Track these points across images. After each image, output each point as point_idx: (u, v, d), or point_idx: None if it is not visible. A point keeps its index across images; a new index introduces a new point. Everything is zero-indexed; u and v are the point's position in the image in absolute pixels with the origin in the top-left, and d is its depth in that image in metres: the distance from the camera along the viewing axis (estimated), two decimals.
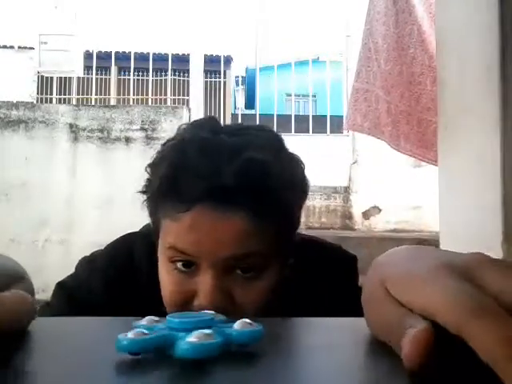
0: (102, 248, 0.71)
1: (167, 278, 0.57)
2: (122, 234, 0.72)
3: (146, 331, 0.26)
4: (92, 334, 0.34)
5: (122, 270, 0.66)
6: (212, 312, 0.30)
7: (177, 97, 7.36)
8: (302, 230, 0.68)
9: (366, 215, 4.81)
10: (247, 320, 0.28)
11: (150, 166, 0.61)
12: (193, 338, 0.25)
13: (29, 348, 0.31)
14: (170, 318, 0.28)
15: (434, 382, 0.23)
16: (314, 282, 0.65)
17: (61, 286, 0.68)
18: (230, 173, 0.53)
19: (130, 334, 0.25)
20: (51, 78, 7.10)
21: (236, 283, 0.53)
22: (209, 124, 0.62)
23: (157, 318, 0.29)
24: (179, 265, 0.55)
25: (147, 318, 0.29)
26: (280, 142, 0.62)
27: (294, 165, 0.61)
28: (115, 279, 0.65)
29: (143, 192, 0.61)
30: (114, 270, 0.66)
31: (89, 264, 0.69)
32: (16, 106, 5.38)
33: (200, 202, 0.53)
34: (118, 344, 0.25)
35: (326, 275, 0.66)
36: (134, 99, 7.08)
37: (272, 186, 0.54)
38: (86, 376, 0.24)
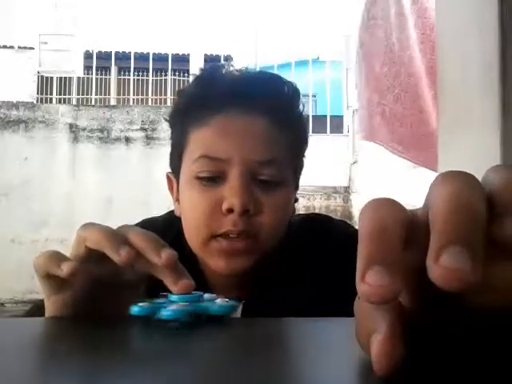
0: None
1: (193, 195, 0.59)
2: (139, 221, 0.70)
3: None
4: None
5: None
6: (201, 293, 0.37)
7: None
8: None
9: None
10: (226, 299, 0.36)
11: (178, 93, 0.68)
12: (172, 306, 0.34)
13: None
14: (171, 295, 0.37)
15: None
16: (318, 251, 0.64)
17: None
18: (251, 83, 0.62)
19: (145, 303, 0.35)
20: (51, 77, 7.10)
21: (258, 190, 0.58)
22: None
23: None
24: (204, 181, 0.58)
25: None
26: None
27: (299, 96, 0.66)
28: None
29: (171, 117, 0.66)
30: None
31: None
32: (16, 106, 5.38)
33: (225, 108, 0.59)
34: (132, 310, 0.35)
35: (331, 245, 0.65)
36: (134, 99, 7.08)
37: (285, 96, 0.63)
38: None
